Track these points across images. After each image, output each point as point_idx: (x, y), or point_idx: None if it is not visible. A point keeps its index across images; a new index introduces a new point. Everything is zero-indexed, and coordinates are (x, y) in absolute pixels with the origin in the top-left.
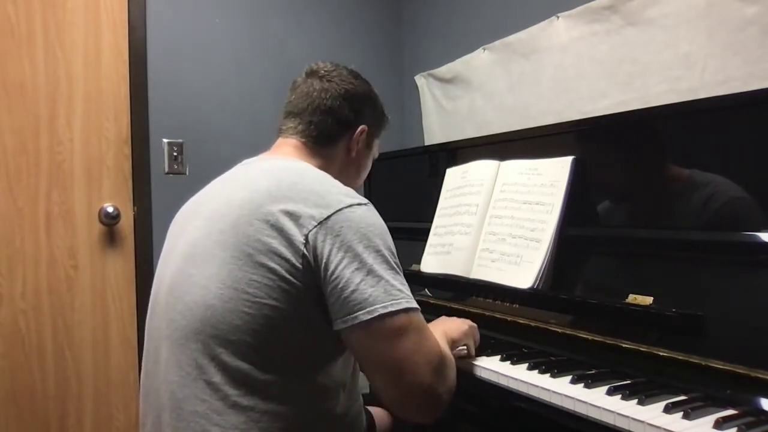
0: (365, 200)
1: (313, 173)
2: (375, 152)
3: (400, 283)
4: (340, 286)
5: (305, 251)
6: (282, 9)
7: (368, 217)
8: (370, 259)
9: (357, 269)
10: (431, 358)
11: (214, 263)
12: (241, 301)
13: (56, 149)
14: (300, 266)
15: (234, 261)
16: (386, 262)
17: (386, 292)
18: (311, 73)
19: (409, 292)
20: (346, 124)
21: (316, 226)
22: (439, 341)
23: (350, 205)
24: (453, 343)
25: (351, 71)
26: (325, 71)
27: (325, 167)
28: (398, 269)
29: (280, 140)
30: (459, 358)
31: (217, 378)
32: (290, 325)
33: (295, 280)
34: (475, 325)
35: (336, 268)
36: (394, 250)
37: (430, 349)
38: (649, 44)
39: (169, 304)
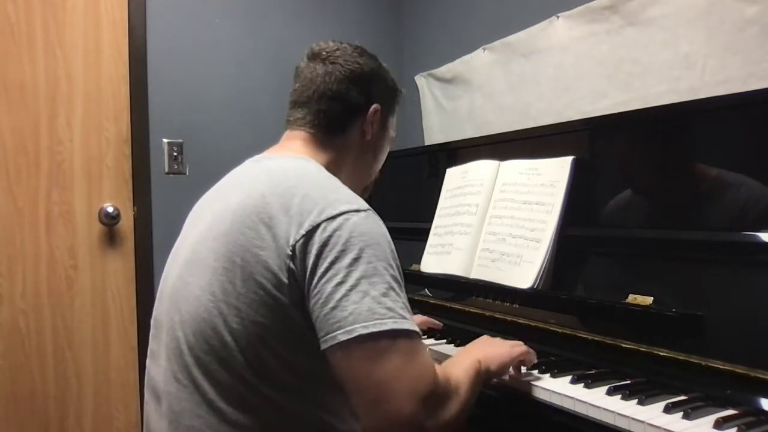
0: (365, 206)
1: (312, 175)
2: (391, 132)
3: (391, 300)
4: (321, 301)
5: (292, 265)
6: (282, 9)
7: (363, 225)
8: (357, 272)
9: (340, 283)
10: (417, 387)
11: (207, 273)
12: (230, 316)
13: (56, 149)
14: (286, 281)
15: (225, 273)
16: (377, 275)
17: (370, 310)
18: (313, 56)
19: (402, 311)
20: (357, 108)
21: (303, 236)
22: (464, 368)
23: (344, 212)
24: (488, 374)
25: (356, 48)
26: (327, 52)
27: (338, 158)
28: (394, 284)
29: (287, 133)
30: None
31: (212, 394)
32: (280, 342)
33: (281, 296)
34: (524, 350)
35: (319, 281)
36: (393, 262)
37: (416, 376)
38: (649, 44)
39: (169, 312)
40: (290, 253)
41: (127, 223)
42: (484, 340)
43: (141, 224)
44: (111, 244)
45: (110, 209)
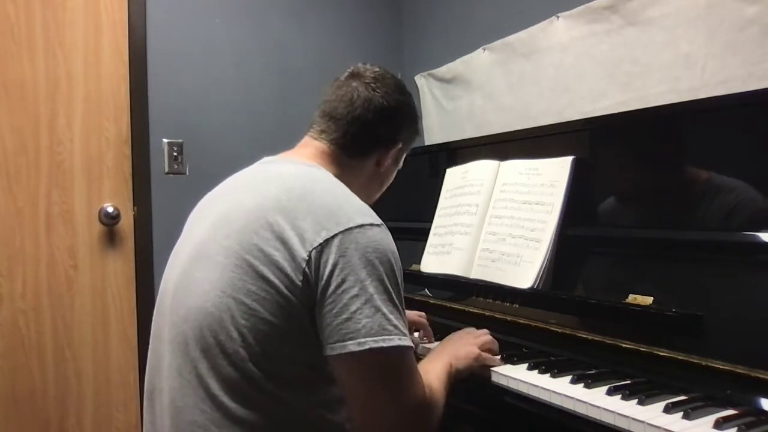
0: (378, 220)
1: (326, 184)
2: (400, 164)
3: (395, 318)
4: (335, 310)
5: (306, 269)
6: (282, 9)
7: (378, 240)
8: (371, 287)
9: (356, 296)
10: (412, 405)
11: (216, 269)
12: (238, 312)
13: (56, 149)
14: (299, 283)
15: (235, 269)
16: (387, 292)
17: (380, 326)
18: (355, 75)
19: (403, 329)
20: (382, 141)
21: (321, 244)
22: (437, 373)
23: (361, 225)
24: (458, 374)
25: (397, 83)
26: (371, 77)
27: (347, 178)
28: (398, 302)
29: (307, 139)
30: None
31: (216, 389)
32: (286, 340)
33: (292, 297)
34: (488, 340)
35: (335, 290)
36: (400, 279)
37: (412, 393)
38: (649, 44)
39: (172, 308)
40: (306, 258)
41: (127, 223)
42: (455, 338)
43: (141, 224)
44: (111, 244)
45: (110, 209)
